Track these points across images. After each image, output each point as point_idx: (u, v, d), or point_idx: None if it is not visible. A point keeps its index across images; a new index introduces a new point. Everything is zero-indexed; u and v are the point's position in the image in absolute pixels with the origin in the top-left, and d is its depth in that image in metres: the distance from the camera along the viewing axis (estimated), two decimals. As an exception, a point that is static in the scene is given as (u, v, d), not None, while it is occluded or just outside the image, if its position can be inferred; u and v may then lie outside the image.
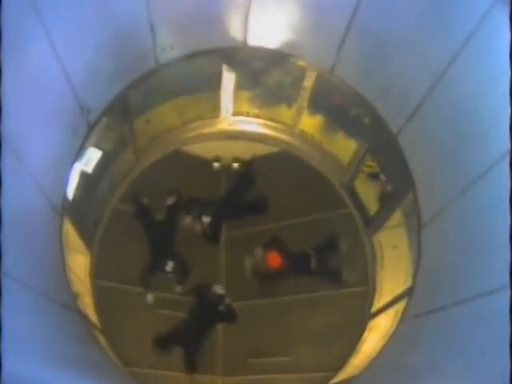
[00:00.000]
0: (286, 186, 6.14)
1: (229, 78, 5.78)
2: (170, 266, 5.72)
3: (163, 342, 5.54)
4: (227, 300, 5.69)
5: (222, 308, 5.68)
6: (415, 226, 4.81)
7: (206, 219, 5.93)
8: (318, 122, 6.09)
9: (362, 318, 5.68)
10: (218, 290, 5.70)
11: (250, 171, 6.19)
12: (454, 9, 3.64)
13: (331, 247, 5.88)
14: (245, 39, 5.19)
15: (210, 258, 6.04)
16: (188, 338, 5.56)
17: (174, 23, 4.73)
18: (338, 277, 5.79)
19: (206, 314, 5.68)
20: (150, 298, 5.74)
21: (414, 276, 4.76)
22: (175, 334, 5.59)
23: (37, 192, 4.02)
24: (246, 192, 6.12)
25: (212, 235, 5.96)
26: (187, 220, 5.85)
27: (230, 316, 5.71)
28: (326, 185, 6.24)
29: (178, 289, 5.81)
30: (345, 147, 5.99)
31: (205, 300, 5.69)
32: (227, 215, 6.09)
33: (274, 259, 5.74)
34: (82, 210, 5.26)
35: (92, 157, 5.14)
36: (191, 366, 5.57)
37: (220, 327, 5.83)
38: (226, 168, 6.35)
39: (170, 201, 5.90)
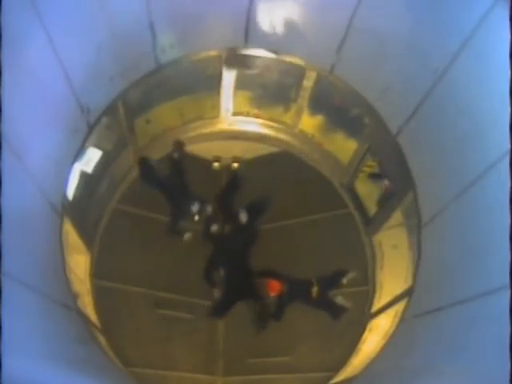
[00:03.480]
0: (286, 185, 6.14)
1: (229, 78, 5.78)
2: (195, 207, 5.89)
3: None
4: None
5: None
6: (415, 226, 4.81)
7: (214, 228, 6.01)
8: (317, 122, 6.09)
9: (362, 318, 5.68)
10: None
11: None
12: (454, 9, 3.64)
13: (334, 281, 5.82)
14: (245, 39, 5.19)
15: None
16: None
17: (174, 23, 4.73)
18: (335, 309, 5.74)
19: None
20: (187, 236, 5.95)
21: (414, 276, 4.75)
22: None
23: (37, 192, 4.02)
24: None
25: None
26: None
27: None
28: (326, 185, 6.24)
29: (214, 227, 5.90)
30: (345, 147, 5.99)
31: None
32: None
33: (275, 287, 5.65)
34: (82, 210, 5.26)
35: (92, 157, 5.14)
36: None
37: (220, 327, 5.84)
38: (226, 168, 6.36)
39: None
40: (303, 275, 5.80)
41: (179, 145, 6.03)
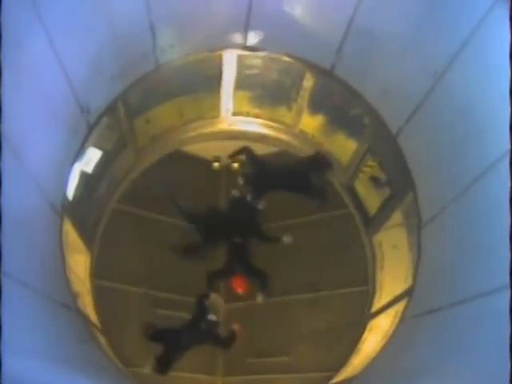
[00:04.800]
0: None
1: (229, 78, 5.78)
2: None
3: (153, 336, 5.38)
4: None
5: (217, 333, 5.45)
6: (415, 226, 4.81)
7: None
8: (317, 122, 6.09)
9: (362, 318, 5.68)
10: (213, 318, 5.44)
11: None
12: (454, 9, 3.65)
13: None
14: (245, 39, 5.19)
15: (209, 259, 6.05)
16: (175, 342, 5.34)
17: (174, 23, 4.73)
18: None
19: (198, 333, 5.42)
20: (287, 239, 5.82)
21: (414, 276, 4.75)
22: (166, 332, 5.43)
23: (37, 192, 4.03)
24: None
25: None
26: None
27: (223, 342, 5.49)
28: (326, 185, 6.24)
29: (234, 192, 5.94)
30: (345, 147, 5.99)
31: (200, 319, 5.45)
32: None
33: (239, 284, 5.62)
34: (82, 210, 5.26)
35: (92, 157, 5.15)
36: (164, 368, 5.29)
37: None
38: (226, 168, 6.36)
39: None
40: (303, 275, 5.81)
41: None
